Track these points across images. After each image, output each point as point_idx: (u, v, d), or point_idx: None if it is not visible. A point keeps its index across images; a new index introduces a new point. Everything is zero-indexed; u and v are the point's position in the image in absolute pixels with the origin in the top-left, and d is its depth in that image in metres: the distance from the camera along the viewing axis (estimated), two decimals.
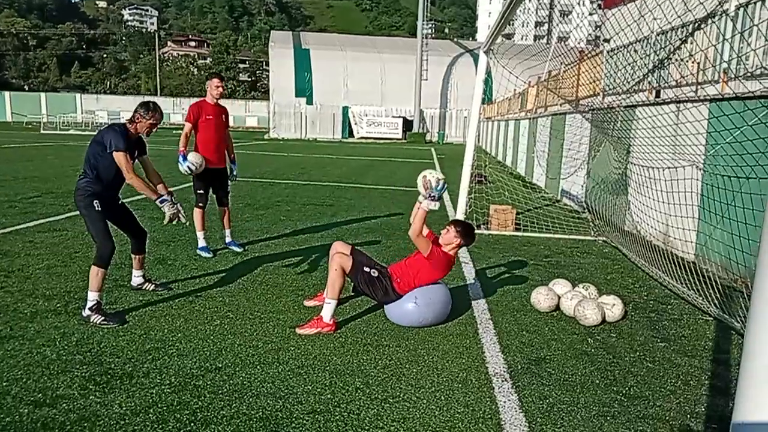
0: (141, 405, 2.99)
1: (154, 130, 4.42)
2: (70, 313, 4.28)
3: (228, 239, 6.60)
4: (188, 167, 5.98)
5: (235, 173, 6.62)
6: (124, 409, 2.94)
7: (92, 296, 4.12)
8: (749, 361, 1.42)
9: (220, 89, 6.37)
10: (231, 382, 3.29)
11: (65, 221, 7.73)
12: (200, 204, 6.35)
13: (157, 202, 4.33)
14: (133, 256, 4.80)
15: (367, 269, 4.30)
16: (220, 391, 3.17)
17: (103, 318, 4.08)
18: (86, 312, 4.11)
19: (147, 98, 4.56)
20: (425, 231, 4.40)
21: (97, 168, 4.23)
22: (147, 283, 4.89)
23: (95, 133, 4.36)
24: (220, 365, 3.50)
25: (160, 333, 3.97)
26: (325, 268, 5.78)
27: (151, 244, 6.07)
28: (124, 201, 4.63)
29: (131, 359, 3.53)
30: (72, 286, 4.91)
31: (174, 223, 4.42)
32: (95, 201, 4.19)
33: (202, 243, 6.31)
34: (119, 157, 4.18)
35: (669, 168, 6.49)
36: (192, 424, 2.83)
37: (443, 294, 4.36)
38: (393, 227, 8.24)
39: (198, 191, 6.34)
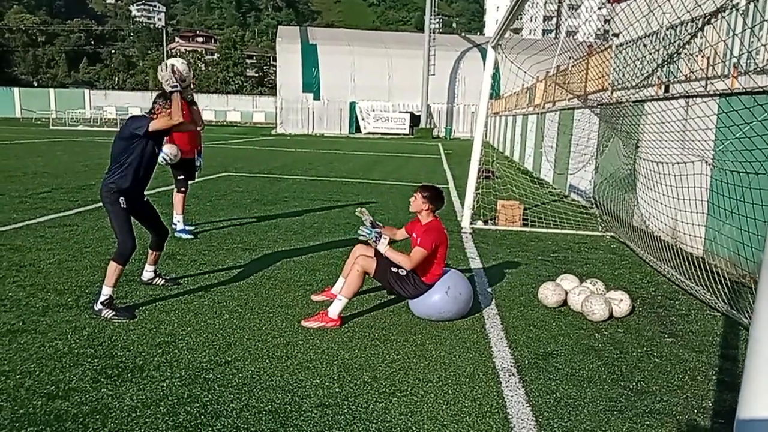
0: (152, 398, 3.02)
1: None
2: (82, 307, 4.33)
3: (180, 226, 6.91)
4: (163, 157, 6.41)
5: (199, 164, 7.21)
6: (136, 401, 2.98)
7: (106, 291, 4.17)
8: (754, 357, 1.43)
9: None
10: (240, 375, 3.32)
11: (75, 216, 7.79)
12: (183, 189, 6.97)
13: (174, 91, 4.29)
14: (149, 251, 4.84)
15: (395, 269, 4.30)
16: (229, 385, 3.20)
17: (114, 312, 4.12)
18: (98, 306, 4.15)
19: (155, 94, 4.59)
20: (402, 231, 4.62)
21: (125, 162, 4.25)
22: (157, 278, 4.93)
23: (109, 129, 4.41)
24: (230, 359, 3.53)
25: (170, 327, 4.01)
26: (333, 264, 5.81)
27: None
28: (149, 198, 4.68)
29: (142, 353, 3.57)
30: (83, 281, 4.96)
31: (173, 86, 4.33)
32: (121, 198, 4.23)
33: (181, 226, 6.85)
34: (155, 124, 4.19)
35: (678, 163, 6.47)
36: (202, 416, 2.87)
37: (469, 294, 4.40)
38: (401, 222, 8.22)
39: (178, 178, 6.94)
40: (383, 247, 4.29)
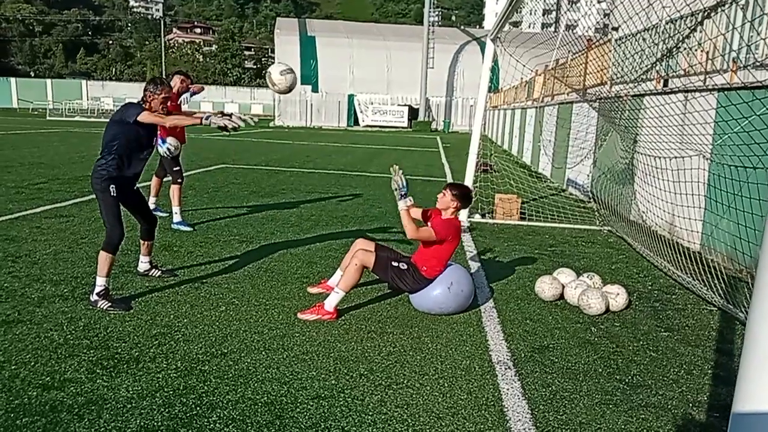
0: (148, 389, 3.02)
1: (168, 103, 4.41)
2: (77, 298, 4.32)
3: (177, 218, 6.88)
4: (167, 149, 6.47)
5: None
6: (131, 392, 2.98)
7: (100, 282, 4.15)
8: (750, 351, 1.43)
9: (185, 85, 7.05)
10: (236, 367, 3.32)
11: (72, 207, 7.77)
12: (179, 180, 6.96)
13: (204, 121, 4.09)
14: (141, 242, 4.83)
15: (395, 264, 4.27)
16: (225, 376, 3.20)
17: (109, 303, 4.11)
18: (93, 297, 4.14)
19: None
20: (418, 212, 4.49)
21: (116, 149, 4.20)
22: (153, 269, 4.92)
23: (106, 120, 4.37)
24: (226, 351, 3.53)
25: (166, 318, 4.00)
26: (330, 256, 5.81)
27: (157, 231, 6.11)
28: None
29: (138, 344, 3.57)
30: (79, 272, 4.95)
31: (234, 127, 4.06)
32: (111, 185, 4.19)
33: (178, 218, 6.84)
34: (146, 116, 4.08)
35: (676, 158, 6.46)
36: (198, 408, 2.86)
37: (471, 291, 4.40)
38: (398, 215, 8.23)
39: (174, 169, 6.97)
40: (404, 204, 4.24)
